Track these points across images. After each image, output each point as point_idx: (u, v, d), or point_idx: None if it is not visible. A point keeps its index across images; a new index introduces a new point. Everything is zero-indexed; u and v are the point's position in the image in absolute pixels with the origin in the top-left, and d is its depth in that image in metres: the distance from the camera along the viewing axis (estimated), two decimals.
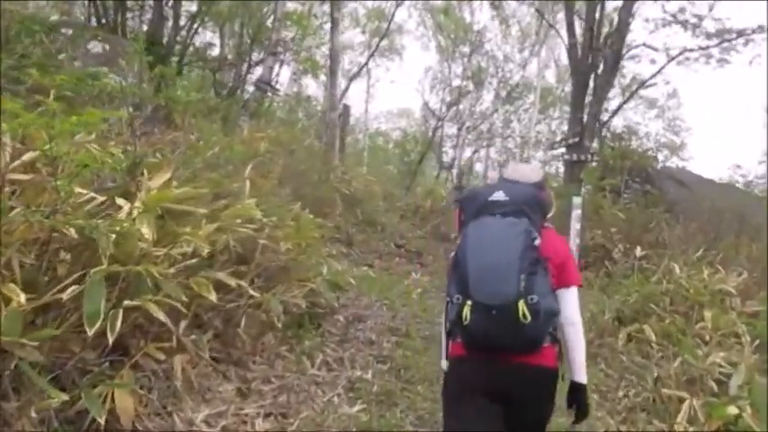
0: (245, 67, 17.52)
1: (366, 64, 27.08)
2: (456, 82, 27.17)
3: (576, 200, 9.44)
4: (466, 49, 27.08)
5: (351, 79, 26.68)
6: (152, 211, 3.40)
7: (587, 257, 10.13)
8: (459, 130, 24.58)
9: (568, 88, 32.38)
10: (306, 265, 5.74)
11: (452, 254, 2.68)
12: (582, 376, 2.65)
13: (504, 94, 29.15)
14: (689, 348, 4.82)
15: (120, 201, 3.59)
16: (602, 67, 11.32)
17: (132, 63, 11.20)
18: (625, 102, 11.48)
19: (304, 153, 10.64)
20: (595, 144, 11.94)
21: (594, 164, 11.52)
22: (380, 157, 32.80)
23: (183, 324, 4.01)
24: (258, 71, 15.15)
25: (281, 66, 23.02)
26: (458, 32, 27.07)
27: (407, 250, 10.63)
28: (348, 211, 10.55)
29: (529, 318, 2.38)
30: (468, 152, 28.71)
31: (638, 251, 7.08)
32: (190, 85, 14.78)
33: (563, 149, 11.89)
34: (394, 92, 50.48)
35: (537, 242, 2.53)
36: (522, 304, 2.38)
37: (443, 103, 27.89)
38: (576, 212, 9.36)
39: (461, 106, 27.12)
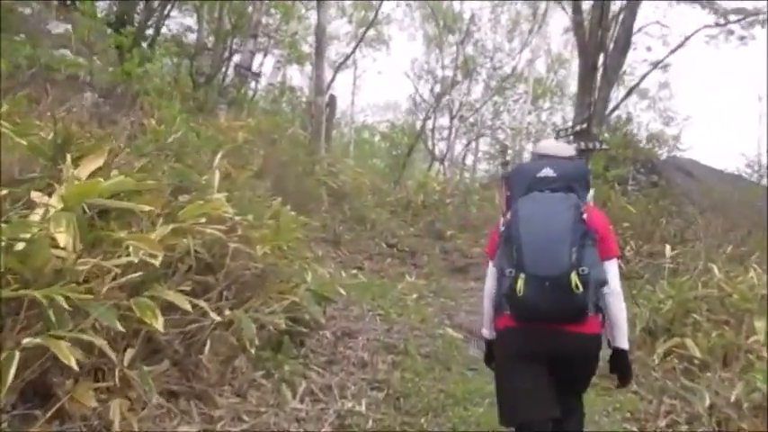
0: (225, 52, 16.59)
1: (352, 53, 26.31)
2: (445, 72, 26.43)
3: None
4: (454, 39, 26.29)
5: (336, 69, 25.93)
6: (73, 210, 2.55)
7: None
8: (452, 119, 23.75)
9: (560, 77, 32.22)
10: (287, 272, 4.93)
11: (501, 228, 2.86)
12: (625, 343, 2.86)
13: (493, 84, 28.45)
14: (763, 371, 4.04)
15: (35, 195, 2.75)
16: (611, 46, 10.53)
17: (96, 44, 10.37)
18: (636, 85, 10.71)
19: (287, 143, 9.80)
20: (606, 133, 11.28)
21: (603, 153, 10.74)
22: (367, 151, 31.99)
23: (129, 353, 3.20)
24: (241, 58, 14.21)
25: (264, 55, 22.22)
26: (446, 21, 26.26)
27: (400, 250, 9.83)
28: (335, 207, 9.74)
29: (581, 288, 2.55)
30: (459, 145, 28.05)
31: (669, 250, 6.27)
32: (161, 68, 13.86)
33: (570, 137, 11.09)
34: (381, 84, 49.53)
35: (585, 216, 2.72)
36: (574, 276, 2.56)
37: (432, 93, 27.15)
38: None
39: (451, 97, 26.34)
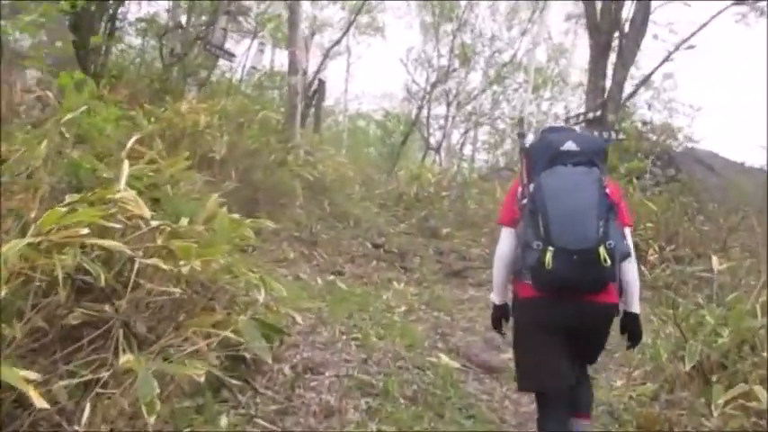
0: (201, 31, 15.36)
1: (342, 37, 25.14)
2: (442, 61, 25.39)
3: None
4: (451, 27, 25.25)
5: (326, 54, 24.88)
6: None
7: None
8: (449, 106, 22.61)
9: (561, 67, 31.14)
10: (223, 294, 3.78)
11: (522, 200, 2.96)
12: (637, 307, 3.02)
13: (492, 73, 27.49)
14: None
15: None
16: (628, 24, 9.37)
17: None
18: (659, 66, 9.55)
19: (257, 128, 8.63)
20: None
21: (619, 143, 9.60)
22: (361, 140, 30.96)
23: None
24: (213, 36, 12.98)
25: (253, 38, 20.97)
26: (443, 8, 25.16)
27: (387, 251, 8.70)
28: (312, 202, 8.60)
29: (609, 262, 2.65)
30: (456, 134, 26.95)
31: (716, 263, 5.11)
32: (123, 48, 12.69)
33: (581, 126, 9.93)
34: (378, 72, 48.10)
35: (608, 190, 2.83)
36: (602, 249, 2.66)
37: (428, 82, 26.14)
38: None
39: (447, 86, 25.30)
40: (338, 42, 25.05)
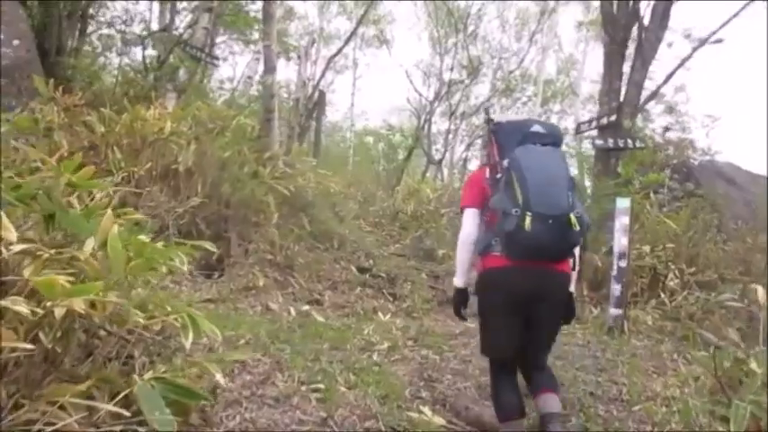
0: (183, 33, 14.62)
1: (344, 46, 24.55)
2: (448, 75, 24.83)
3: (623, 203, 6.67)
4: (458, 38, 24.71)
5: (328, 63, 24.26)
6: None
7: (633, 287, 7.33)
8: (451, 116, 21.84)
9: (572, 78, 30.42)
10: (124, 343, 2.92)
11: (497, 176, 3.29)
12: (572, 287, 3.41)
13: (501, 85, 26.95)
14: None
15: None
16: (648, 17, 8.48)
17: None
18: (681, 65, 8.63)
19: (230, 136, 7.79)
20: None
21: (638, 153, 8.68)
22: (367, 156, 30.31)
23: None
24: (193, 37, 12.20)
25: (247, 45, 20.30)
26: (452, 20, 24.56)
27: (374, 275, 7.81)
28: (291, 220, 7.71)
29: (577, 227, 3.07)
30: (461, 147, 26.19)
31: (762, 294, 4.16)
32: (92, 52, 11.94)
33: (593, 133, 9.05)
34: (387, 87, 47.51)
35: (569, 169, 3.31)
36: (572, 216, 3.07)
37: (435, 94, 25.59)
38: (622, 221, 6.58)
39: (452, 98, 24.64)
40: (340, 51, 24.54)
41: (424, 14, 27.07)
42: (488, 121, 3.59)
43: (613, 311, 6.45)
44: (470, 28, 24.86)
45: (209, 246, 3.95)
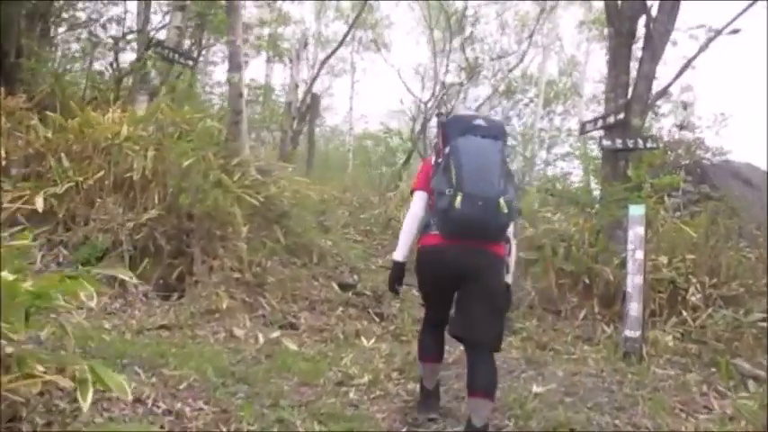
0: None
1: (338, 48, 23.95)
2: (445, 77, 24.21)
3: (636, 210, 5.90)
4: (456, 40, 24.16)
5: (321, 65, 23.68)
6: None
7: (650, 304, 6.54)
8: (445, 114, 20.96)
9: (575, 79, 29.76)
10: None
11: (439, 160, 3.68)
12: (509, 279, 3.75)
13: (501, 87, 26.44)
14: None
15: None
16: (656, 6, 7.73)
17: None
18: (694, 57, 7.85)
19: (194, 140, 7.03)
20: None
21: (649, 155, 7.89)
22: (365, 160, 29.73)
23: None
24: (166, 36, 11.45)
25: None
26: (449, 22, 23.95)
27: (359, 293, 7.03)
28: (264, 233, 6.94)
29: (506, 210, 3.41)
30: None
31: None
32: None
33: (600, 133, 8.26)
34: (386, 91, 46.88)
35: (508, 159, 3.79)
36: (502, 199, 3.41)
37: (434, 98, 25.03)
38: (637, 231, 5.80)
39: (449, 100, 24.03)
40: (333, 53, 24.03)
41: (420, 18, 26.71)
42: (439, 114, 4.31)
43: (629, 333, 5.67)
44: (468, 30, 24.37)
45: (123, 274, 3.18)
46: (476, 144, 3.57)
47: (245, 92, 6.80)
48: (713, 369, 5.48)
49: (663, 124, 17.23)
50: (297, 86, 20.94)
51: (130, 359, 4.13)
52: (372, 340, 5.91)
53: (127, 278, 3.40)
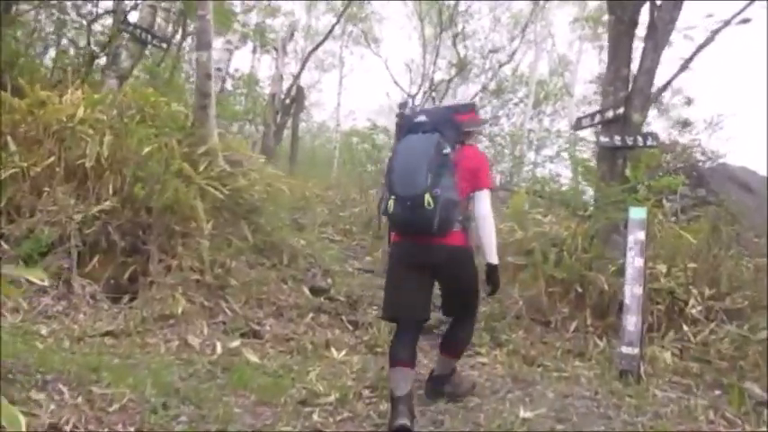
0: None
1: (324, 40, 23.58)
2: (435, 73, 23.89)
3: (637, 214, 5.41)
4: (446, 36, 23.80)
5: (307, 57, 23.28)
6: None
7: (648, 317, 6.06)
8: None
9: (566, 79, 29.41)
10: None
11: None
12: (492, 258, 4.01)
13: (491, 84, 26.14)
14: None
15: None
16: None
17: None
18: (699, 51, 7.34)
19: (158, 126, 6.48)
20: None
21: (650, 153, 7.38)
22: (351, 157, 29.24)
23: None
24: (138, 16, 10.84)
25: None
26: (441, 18, 23.53)
27: (332, 298, 6.51)
28: (230, 230, 6.41)
29: (432, 205, 3.59)
30: None
31: None
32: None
33: (597, 129, 7.79)
34: (376, 87, 46.31)
35: (445, 151, 3.78)
36: (427, 195, 3.59)
37: (419, 89, 24.67)
38: (637, 236, 5.32)
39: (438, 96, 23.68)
40: (320, 45, 23.68)
41: (412, 13, 26.29)
42: (398, 115, 4.42)
43: (626, 350, 5.18)
44: (460, 25, 23.98)
45: (35, 277, 2.65)
46: (410, 144, 3.86)
47: (214, 72, 6.19)
48: (718, 392, 5.02)
49: (654, 126, 16.82)
50: (282, 78, 20.37)
51: (57, 374, 3.59)
52: (343, 352, 5.40)
53: (38, 281, 2.86)
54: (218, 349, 4.99)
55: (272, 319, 5.81)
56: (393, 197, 3.70)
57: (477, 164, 3.99)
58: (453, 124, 3.95)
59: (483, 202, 3.91)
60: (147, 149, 6.06)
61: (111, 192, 5.88)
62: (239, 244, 6.33)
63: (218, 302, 5.70)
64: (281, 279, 6.42)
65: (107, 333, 4.93)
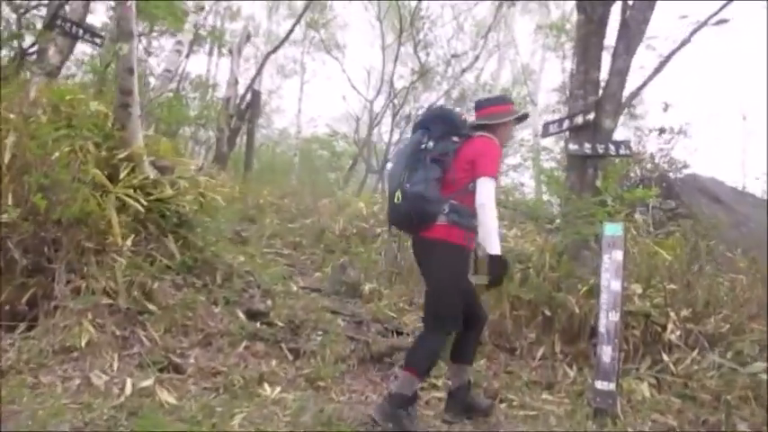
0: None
1: (282, 43, 22.76)
2: (401, 83, 23.34)
3: (613, 230, 4.84)
4: (406, 39, 23.30)
5: (264, 60, 22.49)
6: None
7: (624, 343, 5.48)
8: (395, 117, 20.12)
9: (529, 88, 29.18)
10: None
11: None
12: (493, 248, 3.90)
13: (455, 93, 25.79)
14: None
15: None
16: None
17: None
18: (678, 49, 6.84)
19: (69, 128, 5.73)
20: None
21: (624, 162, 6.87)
22: (310, 165, 28.62)
23: None
24: (69, 9, 10.03)
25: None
26: (402, 24, 22.97)
27: (271, 323, 5.79)
28: (152, 245, 5.68)
29: (400, 199, 3.89)
30: None
31: None
32: None
33: (566, 136, 7.25)
34: (339, 95, 45.51)
35: (424, 146, 4.03)
36: (398, 191, 3.91)
37: (377, 93, 24.09)
38: (614, 256, 4.75)
39: (406, 109, 23.13)
40: (277, 48, 22.87)
41: (375, 20, 25.77)
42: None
43: (601, 386, 4.60)
44: (422, 32, 23.50)
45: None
46: (404, 142, 3.72)
47: (136, 66, 5.47)
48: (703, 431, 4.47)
49: (619, 133, 16.44)
50: (237, 82, 19.61)
51: None
52: (278, 388, 4.71)
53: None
54: (128, 389, 4.26)
55: (198, 349, 5.09)
56: (387, 195, 4.12)
57: (477, 152, 3.98)
58: (446, 120, 4.15)
59: (481, 190, 3.86)
60: (56, 154, 5.30)
61: (12, 202, 5.11)
62: (164, 262, 5.60)
63: (134, 330, 4.96)
64: (212, 302, 5.70)
65: None
